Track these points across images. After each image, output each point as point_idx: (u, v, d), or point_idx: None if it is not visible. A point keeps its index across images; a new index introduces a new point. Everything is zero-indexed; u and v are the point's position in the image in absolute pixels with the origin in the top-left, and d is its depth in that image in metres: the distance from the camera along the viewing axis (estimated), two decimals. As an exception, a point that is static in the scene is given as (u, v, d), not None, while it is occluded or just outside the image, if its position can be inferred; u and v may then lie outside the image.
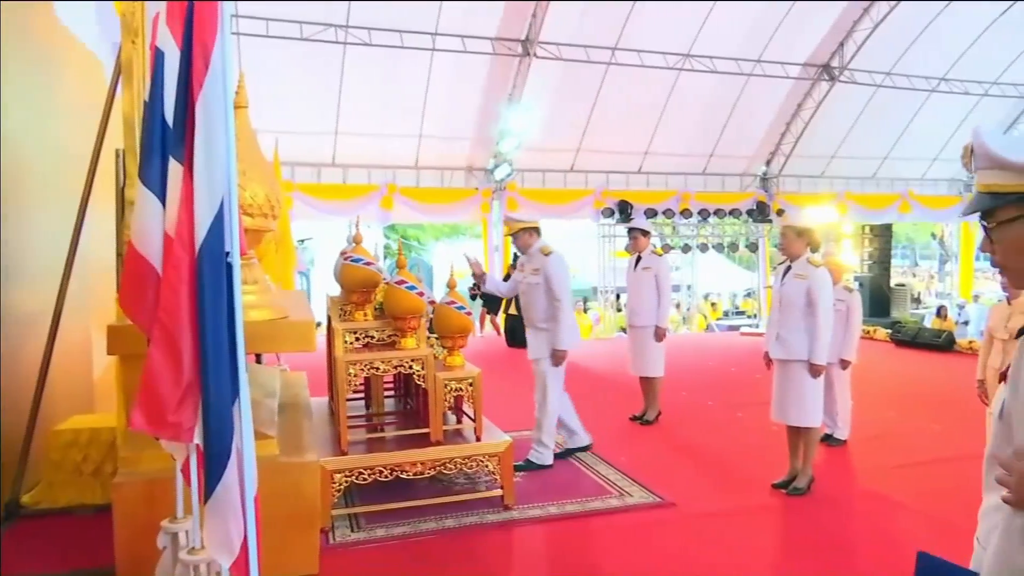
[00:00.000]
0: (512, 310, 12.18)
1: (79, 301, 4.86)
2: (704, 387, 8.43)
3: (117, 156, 3.77)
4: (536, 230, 5.46)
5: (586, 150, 14.66)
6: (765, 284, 16.19)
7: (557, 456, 5.49)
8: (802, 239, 4.73)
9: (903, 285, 17.63)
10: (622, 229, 14.28)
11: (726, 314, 19.49)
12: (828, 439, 5.80)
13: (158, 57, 2.34)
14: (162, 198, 2.34)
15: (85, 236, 4.52)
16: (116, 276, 3.69)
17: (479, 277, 5.52)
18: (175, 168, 2.24)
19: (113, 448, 4.40)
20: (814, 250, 4.82)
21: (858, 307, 5.84)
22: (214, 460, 2.13)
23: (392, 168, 13.80)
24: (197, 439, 2.24)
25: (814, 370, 4.63)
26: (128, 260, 2.47)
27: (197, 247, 2.13)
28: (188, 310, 2.15)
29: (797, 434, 4.81)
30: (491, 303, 13.42)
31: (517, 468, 4.91)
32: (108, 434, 4.45)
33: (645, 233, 6.76)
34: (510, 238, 5.63)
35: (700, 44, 13.41)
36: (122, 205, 3.65)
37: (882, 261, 13.62)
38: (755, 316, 17.41)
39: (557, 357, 5.23)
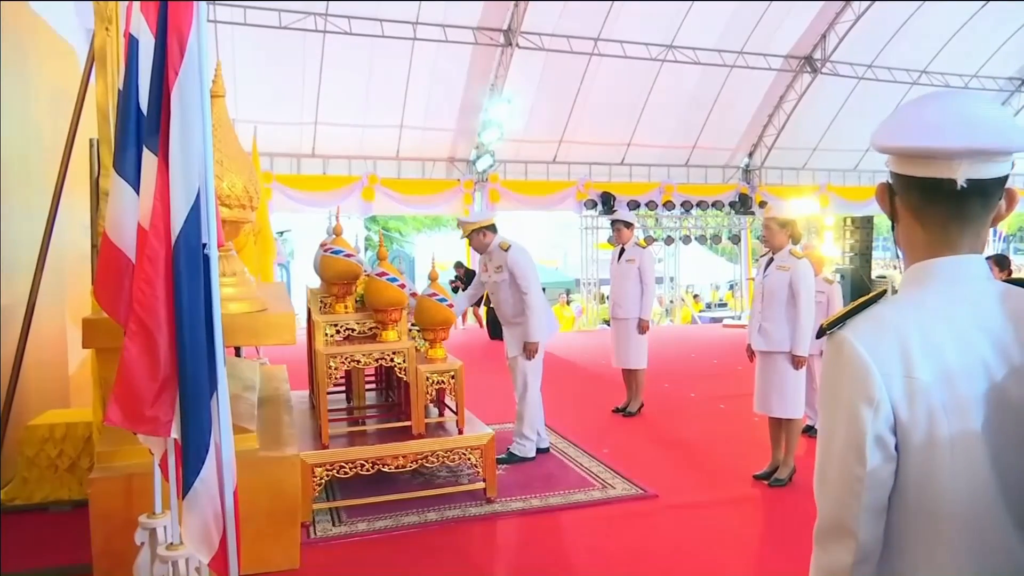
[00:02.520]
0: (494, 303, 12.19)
1: (54, 294, 4.80)
2: (687, 379, 8.49)
3: (91, 146, 3.73)
4: (489, 227, 5.34)
5: (568, 141, 14.65)
6: (748, 276, 16.31)
7: (501, 459, 5.44)
8: (784, 231, 4.76)
9: (884, 277, 17.81)
10: (605, 221, 14.30)
11: (708, 307, 19.62)
12: (810, 430, 5.86)
13: (132, 45, 2.31)
14: (137, 188, 2.31)
15: (59, 227, 4.46)
16: (91, 268, 3.65)
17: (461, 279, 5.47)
18: (149, 159, 2.21)
19: (89, 443, 4.37)
20: (795, 242, 4.85)
21: (839, 299, 5.89)
22: (192, 455, 2.12)
23: (373, 159, 13.73)
24: (175, 434, 2.22)
25: (796, 361, 4.67)
26: (103, 252, 2.44)
27: (173, 239, 2.11)
28: (165, 303, 2.13)
29: (779, 425, 4.85)
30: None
31: (499, 461, 4.90)
32: (84, 429, 4.41)
33: (628, 225, 6.77)
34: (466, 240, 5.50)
35: (683, 35, 13.44)
36: (97, 196, 3.61)
37: (863, 253, 13.71)
38: (731, 307, 17.54)
39: (528, 350, 5.21)
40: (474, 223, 5.35)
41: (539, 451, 5.44)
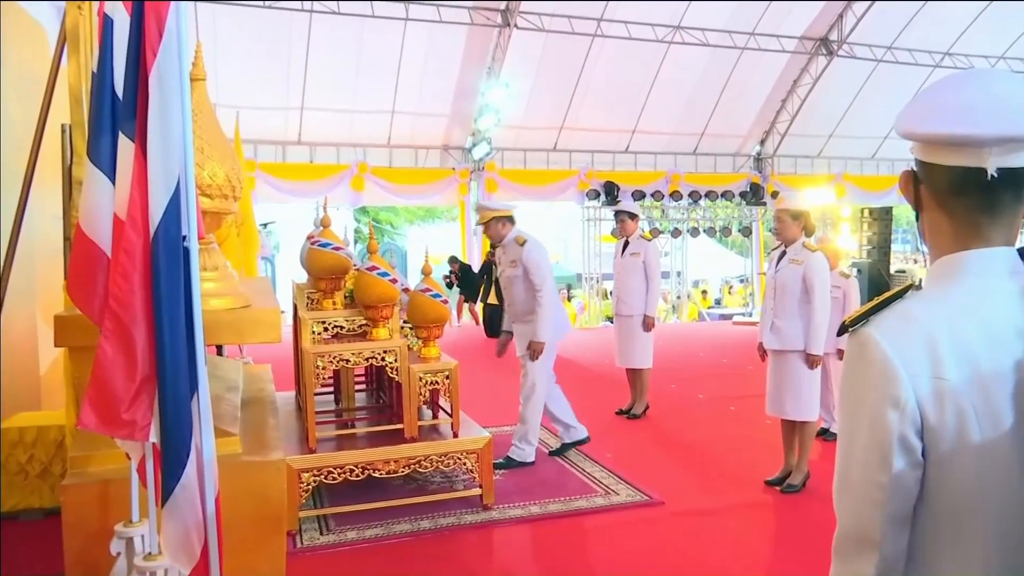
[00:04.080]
0: (492, 299, 12.18)
1: (24, 289, 4.79)
2: (695, 379, 8.50)
3: (63, 132, 3.71)
4: (508, 219, 5.40)
5: (570, 128, 14.65)
6: (759, 270, 16.32)
7: (554, 452, 5.55)
8: (797, 223, 4.76)
9: (904, 272, 17.84)
10: (608, 212, 14.31)
11: (716, 302, 19.63)
12: (825, 434, 5.87)
13: (106, 24, 2.30)
14: (113, 178, 2.30)
15: (29, 219, 4.44)
16: (64, 262, 3.64)
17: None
18: (126, 145, 2.20)
19: (62, 447, 4.36)
20: (809, 234, 4.86)
21: (855, 294, 5.90)
22: (172, 459, 2.12)
23: (363, 146, 13.72)
24: (153, 437, 2.22)
25: (811, 361, 4.68)
26: (76, 245, 2.43)
27: (151, 231, 2.10)
28: (142, 299, 2.12)
29: (792, 428, 4.86)
30: (469, 291, 13.42)
31: (497, 466, 4.93)
32: (56, 432, 4.41)
33: (633, 216, 6.78)
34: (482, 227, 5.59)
35: (691, 16, 13.43)
36: (69, 186, 3.60)
37: (882, 246, 13.73)
38: (747, 304, 17.56)
39: (534, 350, 5.22)
40: (494, 210, 5.43)
41: (575, 443, 5.53)
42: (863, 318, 1.15)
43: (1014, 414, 1.08)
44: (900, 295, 1.16)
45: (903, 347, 1.10)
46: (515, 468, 5.25)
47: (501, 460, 5.18)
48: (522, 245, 5.28)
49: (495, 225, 5.37)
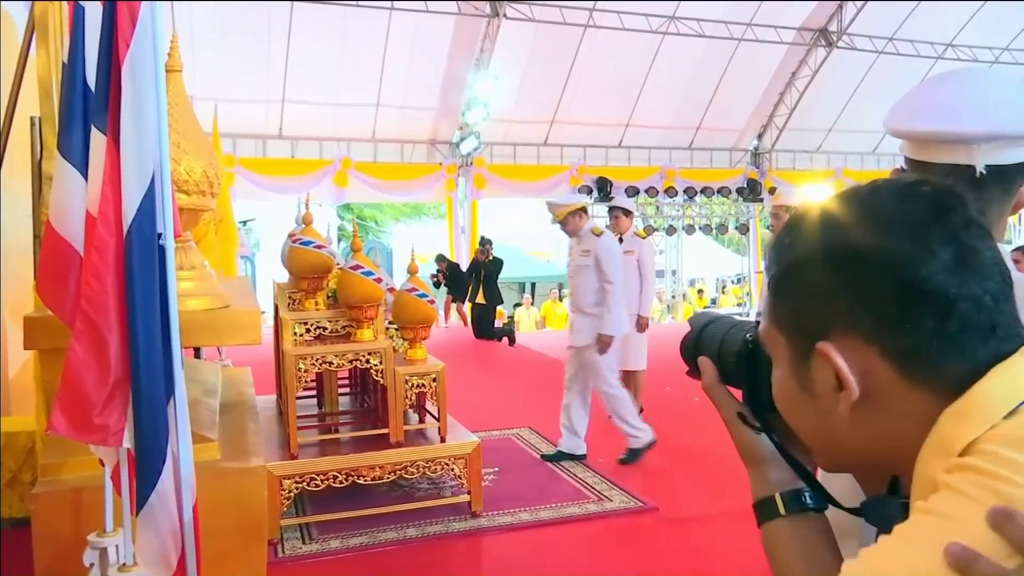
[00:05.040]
0: (480, 299, 12.18)
1: (-9, 289, 4.75)
2: (690, 382, 8.43)
3: (32, 125, 3.69)
4: (583, 210, 5.71)
5: (561, 122, 14.66)
6: (757, 269, 16.39)
7: (547, 457, 5.63)
8: (796, 219, 4.78)
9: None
10: (601, 209, 14.33)
11: (712, 302, 19.71)
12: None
13: (77, 12, 2.29)
14: (85, 172, 2.29)
15: (-3, 216, 4.42)
16: (33, 261, 3.62)
17: None
18: (98, 139, 2.19)
19: (32, 454, 4.33)
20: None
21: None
22: (147, 466, 2.11)
23: (346, 141, 13.69)
24: (128, 443, 2.21)
25: (808, 362, 4.69)
26: (47, 243, 2.42)
27: (125, 228, 2.09)
28: (115, 299, 2.11)
29: (790, 431, 4.88)
30: (457, 290, 13.42)
31: (622, 462, 5.43)
32: (26, 439, 4.38)
33: (627, 213, 6.80)
34: (558, 225, 5.78)
35: (686, 6, 13.46)
36: (39, 181, 3.58)
37: (882, 244, 13.90)
38: (744, 303, 17.63)
39: (603, 343, 5.38)
40: (569, 205, 5.66)
41: (570, 456, 5.61)
42: None
43: None
44: None
45: None
46: (638, 459, 5.48)
47: (624, 456, 5.50)
48: (598, 236, 5.54)
49: (573, 219, 5.60)
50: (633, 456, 5.51)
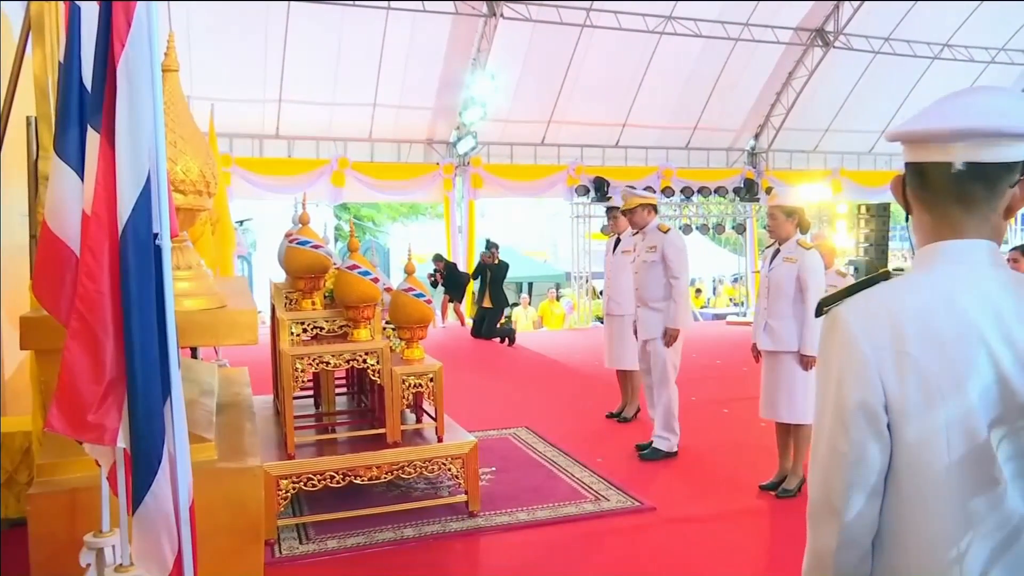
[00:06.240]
0: (487, 303, 12.06)
1: (-13, 290, 4.74)
2: (687, 381, 8.47)
3: (28, 125, 3.69)
4: (653, 207, 5.90)
5: (558, 122, 14.66)
6: (754, 269, 16.40)
7: (644, 455, 5.65)
8: (791, 220, 4.79)
9: (901, 270, 17.94)
10: (598, 209, 14.34)
11: (709, 301, 19.71)
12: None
13: (73, 12, 2.28)
14: (81, 173, 2.29)
15: (-7, 216, 4.41)
16: (30, 261, 3.62)
17: None
18: (93, 138, 2.19)
19: (28, 455, 4.33)
20: (804, 232, 4.88)
21: (852, 293, 5.94)
22: (143, 466, 2.11)
23: (343, 140, 13.68)
24: (124, 443, 2.21)
25: (805, 362, 4.70)
26: (43, 243, 2.41)
27: (120, 228, 2.08)
28: (111, 299, 2.11)
29: (787, 432, 4.89)
30: (454, 290, 13.41)
31: (642, 456, 5.56)
32: (22, 439, 4.37)
33: (626, 213, 6.78)
34: (625, 213, 5.96)
35: (683, 6, 13.48)
36: (35, 181, 3.58)
37: (879, 244, 13.83)
38: (741, 304, 17.63)
39: (670, 336, 5.57)
40: (642, 196, 5.93)
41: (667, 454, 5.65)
42: (837, 300, 1.28)
43: (980, 387, 1.17)
44: (874, 281, 1.29)
45: (868, 322, 1.22)
46: (661, 459, 5.53)
47: (647, 450, 5.59)
48: (665, 232, 5.71)
49: (641, 212, 5.80)
50: (655, 455, 5.58)
